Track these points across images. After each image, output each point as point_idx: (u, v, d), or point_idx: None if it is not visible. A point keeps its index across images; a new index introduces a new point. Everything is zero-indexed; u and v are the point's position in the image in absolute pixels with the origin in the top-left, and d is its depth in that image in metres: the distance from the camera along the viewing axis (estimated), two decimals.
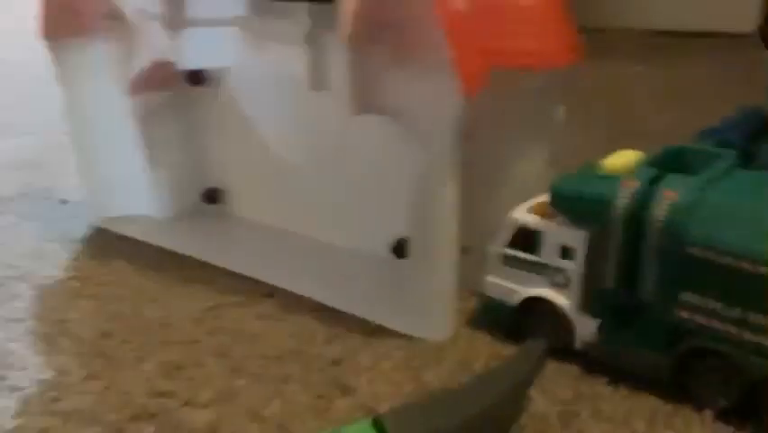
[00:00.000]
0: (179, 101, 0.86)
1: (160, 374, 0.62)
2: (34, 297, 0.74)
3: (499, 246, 0.65)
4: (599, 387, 0.59)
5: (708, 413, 0.56)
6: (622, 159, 0.61)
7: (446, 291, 0.65)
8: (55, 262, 0.80)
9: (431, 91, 0.59)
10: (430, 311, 0.66)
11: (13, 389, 0.60)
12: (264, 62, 0.74)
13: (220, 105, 0.85)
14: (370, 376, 0.61)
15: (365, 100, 0.63)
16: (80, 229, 0.88)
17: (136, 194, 0.87)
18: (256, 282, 0.75)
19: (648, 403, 0.58)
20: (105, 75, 0.82)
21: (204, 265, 0.79)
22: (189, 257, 0.80)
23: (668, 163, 0.61)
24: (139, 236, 0.85)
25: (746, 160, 0.64)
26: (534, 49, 0.64)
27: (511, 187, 0.69)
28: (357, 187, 0.77)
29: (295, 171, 0.82)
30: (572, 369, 0.61)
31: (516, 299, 0.64)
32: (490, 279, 0.66)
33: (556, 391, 0.59)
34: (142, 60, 0.79)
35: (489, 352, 0.64)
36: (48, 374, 0.62)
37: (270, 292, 0.73)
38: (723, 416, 0.56)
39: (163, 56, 0.76)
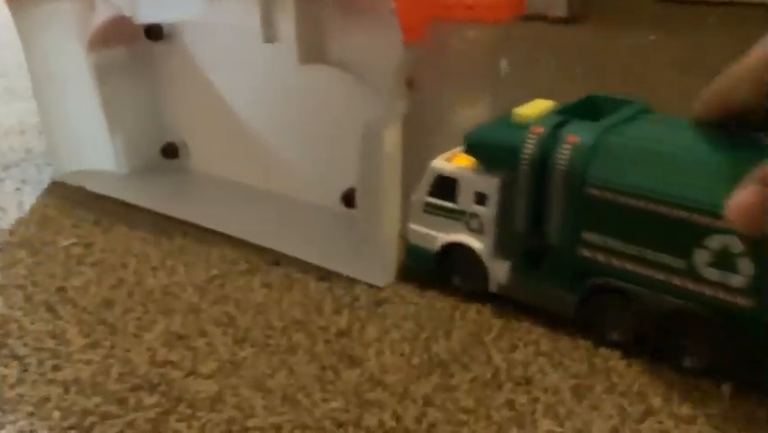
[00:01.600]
0: (138, 56, 0.86)
1: (163, 344, 0.60)
2: (35, 263, 0.72)
3: (420, 195, 0.66)
4: (613, 361, 0.58)
5: (726, 389, 0.55)
6: (534, 108, 0.63)
7: (390, 238, 0.68)
8: (57, 228, 0.79)
9: (374, 41, 0.61)
10: (376, 257, 0.68)
11: (13, 357, 0.59)
12: (220, 16, 0.74)
13: (178, 60, 0.86)
14: (378, 348, 0.60)
15: (313, 50, 0.65)
16: (83, 196, 0.86)
17: (96, 149, 0.88)
18: (262, 250, 0.73)
19: (664, 378, 0.56)
20: (64, 31, 0.82)
21: (207, 233, 0.77)
22: (192, 224, 0.79)
23: (579, 112, 0.62)
24: (99, 191, 0.86)
25: None
26: (476, 2, 0.67)
27: (453, 137, 0.69)
28: (309, 138, 0.79)
29: (250, 125, 0.83)
30: (586, 343, 0.60)
31: (436, 245, 0.66)
32: (413, 226, 0.68)
33: (570, 364, 0.58)
34: (101, 16, 0.79)
35: (500, 324, 0.62)
36: (48, 343, 0.61)
37: (277, 261, 0.72)
38: (742, 392, 0.55)
39: (122, 11, 0.77)
